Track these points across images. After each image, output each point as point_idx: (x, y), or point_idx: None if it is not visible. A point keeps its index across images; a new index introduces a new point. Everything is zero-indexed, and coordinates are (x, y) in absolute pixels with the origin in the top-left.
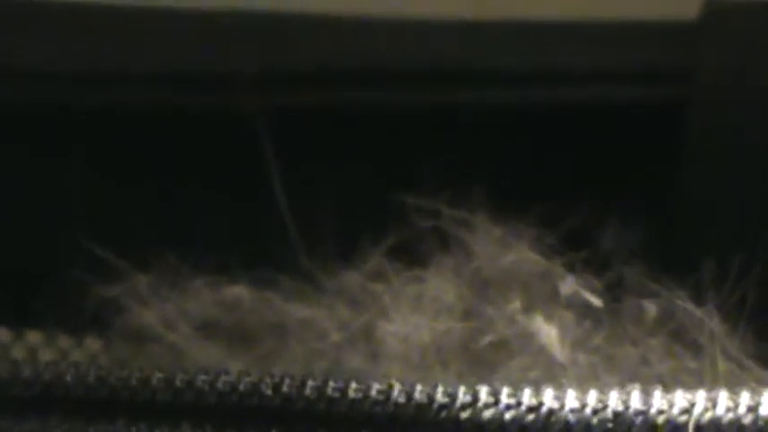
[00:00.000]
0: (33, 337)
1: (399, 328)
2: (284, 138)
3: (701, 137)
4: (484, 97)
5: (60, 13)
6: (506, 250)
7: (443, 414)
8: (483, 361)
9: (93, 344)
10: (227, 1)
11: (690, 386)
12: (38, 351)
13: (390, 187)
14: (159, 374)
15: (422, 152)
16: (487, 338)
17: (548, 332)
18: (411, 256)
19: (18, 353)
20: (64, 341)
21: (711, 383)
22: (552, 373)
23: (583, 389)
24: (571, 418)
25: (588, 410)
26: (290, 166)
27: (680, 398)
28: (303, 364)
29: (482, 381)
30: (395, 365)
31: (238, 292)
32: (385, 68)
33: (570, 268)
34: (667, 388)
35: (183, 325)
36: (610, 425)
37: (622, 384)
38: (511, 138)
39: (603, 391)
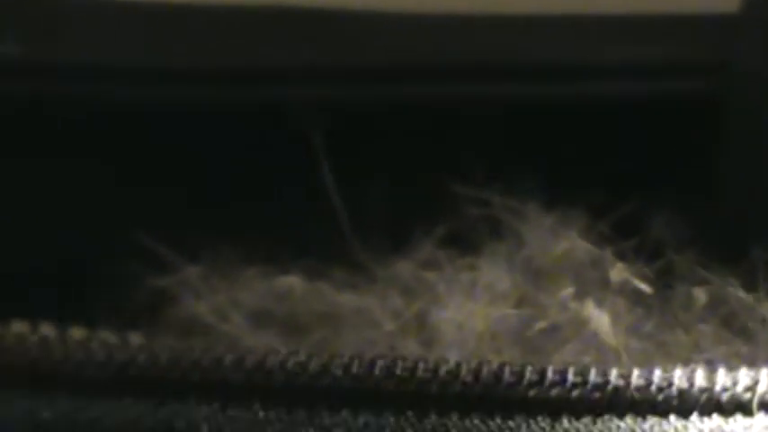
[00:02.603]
0: (78, 333)
1: (453, 315)
2: (335, 131)
3: (745, 126)
4: (535, 90)
5: (106, 10)
6: (558, 238)
7: (511, 392)
8: (536, 347)
9: (135, 338)
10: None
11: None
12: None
13: (443, 176)
14: (230, 355)
15: (474, 142)
16: (540, 325)
17: (600, 318)
18: (463, 244)
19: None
20: (108, 336)
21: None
22: (604, 359)
23: (647, 368)
24: (636, 395)
25: (653, 388)
26: (341, 156)
27: (743, 375)
28: (356, 352)
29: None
30: (449, 353)
31: (291, 282)
32: (438, 61)
33: (621, 256)
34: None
35: (236, 315)
36: (675, 402)
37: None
38: (560, 129)
39: (668, 369)
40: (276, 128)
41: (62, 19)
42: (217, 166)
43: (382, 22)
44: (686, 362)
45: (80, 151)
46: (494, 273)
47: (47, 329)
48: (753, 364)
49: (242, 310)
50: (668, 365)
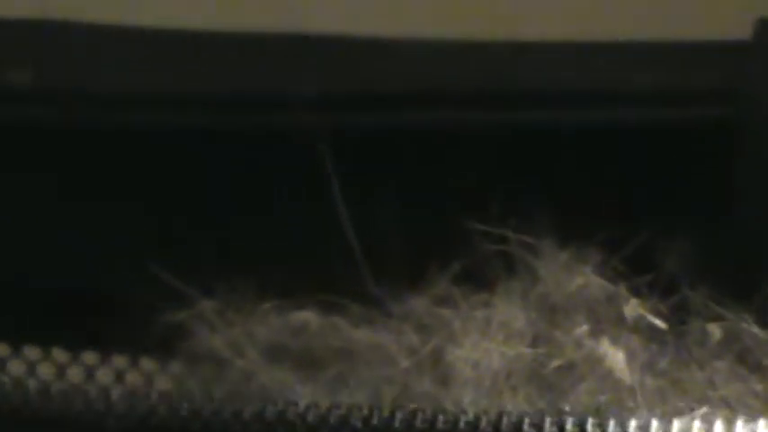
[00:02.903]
0: (90, 358)
1: (468, 353)
2: (350, 163)
3: (755, 156)
4: (547, 118)
5: (123, 37)
6: (572, 275)
7: None
8: (552, 385)
9: (147, 364)
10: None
11: (756, 409)
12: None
13: (457, 213)
14: (251, 408)
15: (488, 177)
16: (556, 363)
17: (614, 356)
18: (478, 280)
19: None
20: (120, 361)
21: None
22: (620, 397)
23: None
24: None
25: None
26: (355, 191)
27: (762, 427)
28: (372, 389)
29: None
30: (464, 391)
31: (306, 317)
32: (451, 92)
33: (635, 292)
34: (733, 411)
35: (251, 350)
36: None
37: (692, 408)
38: (573, 156)
39: (686, 420)
40: (292, 161)
41: (74, 47)
42: (232, 199)
43: (397, 49)
44: (701, 400)
45: (94, 182)
46: (509, 310)
47: (58, 355)
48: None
49: (257, 344)
50: (684, 404)
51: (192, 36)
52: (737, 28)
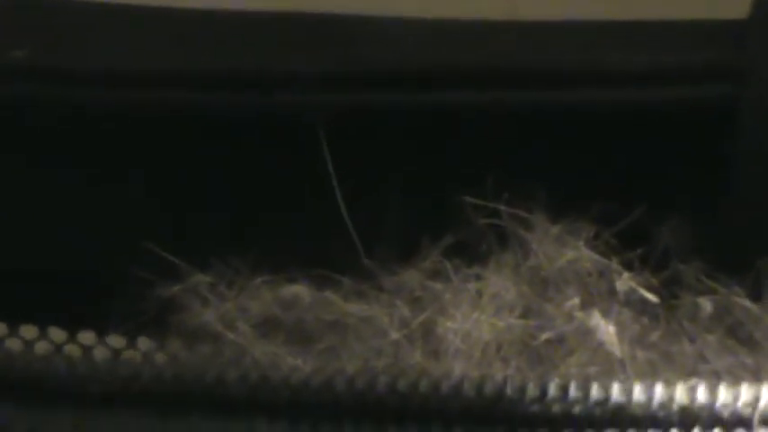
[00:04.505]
0: (87, 337)
1: (459, 325)
2: (344, 139)
3: (753, 135)
4: (540, 98)
5: (117, 15)
6: (564, 248)
7: (514, 407)
8: (542, 357)
9: (145, 343)
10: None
11: (747, 382)
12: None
13: (450, 187)
14: (233, 371)
15: (481, 150)
16: (546, 335)
17: (605, 329)
18: (470, 254)
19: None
20: (117, 341)
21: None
22: (610, 370)
23: (648, 383)
24: (638, 411)
25: (655, 404)
26: (349, 167)
27: (745, 391)
28: (363, 362)
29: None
30: (455, 363)
31: (298, 290)
32: (443, 69)
33: (627, 266)
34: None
35: (243, 323)
36: (676, 417)
37: (681, 380)
38: (567, 138)
39: (670, 383)
40: (284, 136)
41: (72, 25)
42: (225, 175)
43: (399, 27)
44: (691, 373)
45: (88, 161)
46: (500, 283)
47: (55, 334)
48: (758, 374)
49: (249, 318)
50: (673, 377)
51: (185, 15)
52: (735, 6)
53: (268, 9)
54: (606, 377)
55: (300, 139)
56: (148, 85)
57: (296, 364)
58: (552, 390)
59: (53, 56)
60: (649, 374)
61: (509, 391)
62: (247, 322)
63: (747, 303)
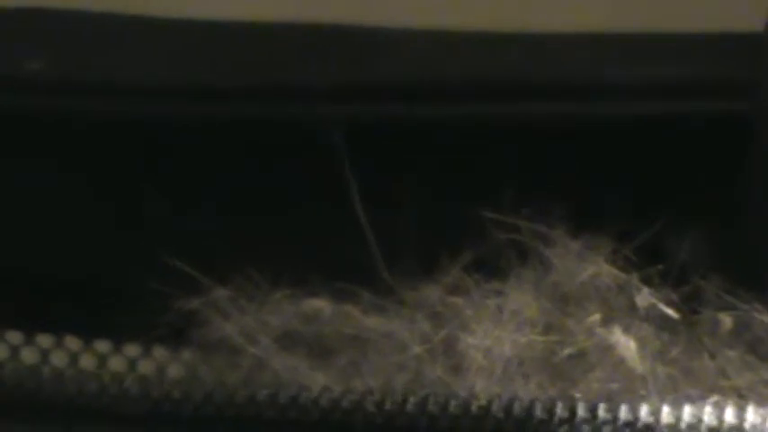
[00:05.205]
0: (102, 346)
1: (480, 340)
2: (364, 152)
3: None
4: (560, 111)
5: (134, 27)
6: (584, 264)
7: (542, 428)
8: (563, 373)
9: (160, 354)
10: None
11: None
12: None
13: (470, 202)
14: (264, 391)
15: (501, 167)
16: (567, 351)
17: (626, 344)
18: (491, 269)
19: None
20: (132, 350)
21: None
22: (631, 385)
23: (676, 404)
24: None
25: (683, 425)
26: (369, 181)
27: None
28: (384, 377)
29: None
30: (476, 379)
31: (318, 304)
32: (465, 83)
33: (647, 281)
34: (744, 400)
35: (263, 337)
36: None
37: (703, 396)
38: (586, 150)
39: (695, 404)
40: (305, 150)
41: (89, 37)
42: (246, 188)
43: (406, 39)
44: (712, 389)
45: (110, 173)
46: (521, 298)
47: (71, 343)
48: None
49: (270, 332)
50: (695, 393)
51: (199, 27)
52: (751, 20)
53: (280, 20)
54: (628, 394)
55: (320, 153)
56: (162, 97)
57: (326, 386)
58: (581, 411)
59: (67, 67)
60: (670, 390)
61: (537, 412)
62: (268, 336)
63: (767, 318)
